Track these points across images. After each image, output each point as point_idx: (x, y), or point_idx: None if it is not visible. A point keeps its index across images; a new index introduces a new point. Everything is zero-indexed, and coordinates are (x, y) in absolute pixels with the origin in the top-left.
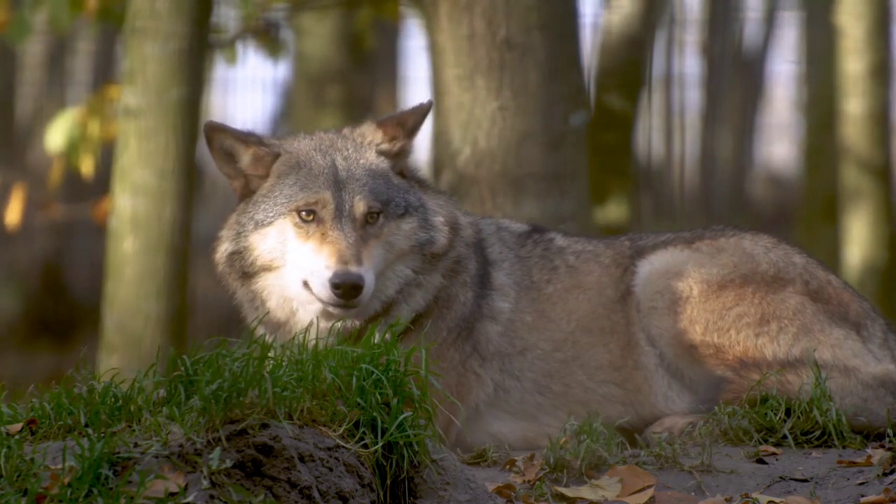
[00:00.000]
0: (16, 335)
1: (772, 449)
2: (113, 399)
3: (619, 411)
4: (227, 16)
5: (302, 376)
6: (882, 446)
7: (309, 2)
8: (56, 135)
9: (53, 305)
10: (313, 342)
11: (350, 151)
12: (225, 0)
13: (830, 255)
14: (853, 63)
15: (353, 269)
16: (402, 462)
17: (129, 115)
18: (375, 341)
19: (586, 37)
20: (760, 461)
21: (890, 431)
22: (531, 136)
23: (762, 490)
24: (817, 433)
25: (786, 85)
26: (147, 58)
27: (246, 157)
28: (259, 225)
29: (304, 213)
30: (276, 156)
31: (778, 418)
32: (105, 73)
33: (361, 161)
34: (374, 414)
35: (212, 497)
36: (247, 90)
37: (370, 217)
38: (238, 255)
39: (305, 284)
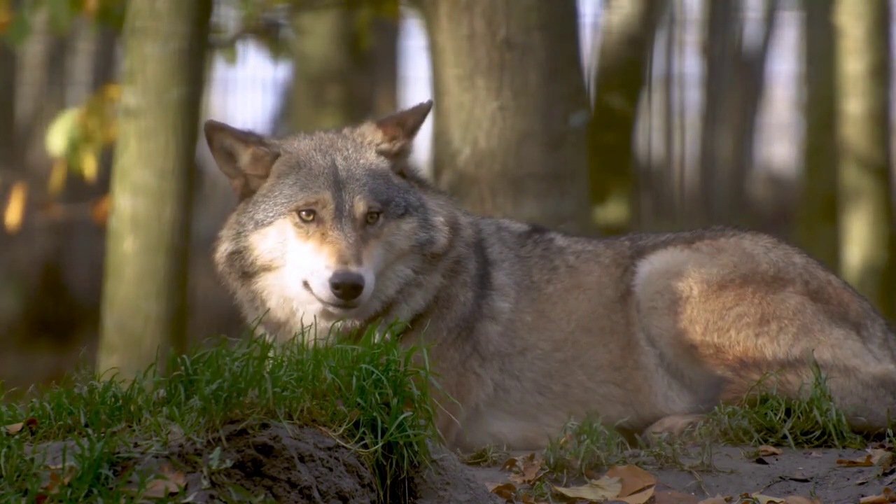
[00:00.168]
0: (16, 335)
1: (772, 449)
2: (113, 399)
3: (619, 411)
4: (227, 16)
5: (302, 376)
6: (882, 446)
7: (309, 2)
8: (57, 137)
9: (53, 305)
10: (313, 342)
11: (350, 151)
12: (225, 0)
13: (830, 255)
14: (853, 63)
15: (353, 269)
16: (402, 462)
17: (129, 115)
18: (375, 341)
19: (586, 37)
20: (760, 461)
21: (890, 431)
22: (531, 136)
23: (762, 490)
24: (817, 433)
25: (786, 85)
26: (147, 58)
27: (245, 156)
28: (259, 225)
29: (304, 213)
30: (276, 156)
31: (778, 418)
32: (105, 73)
33: (361, 161)
34: (374, 414)
35: (212, 497)
36: (247, 90)
37: (370, 217)
38: (238, 255)
39: (305, 284)
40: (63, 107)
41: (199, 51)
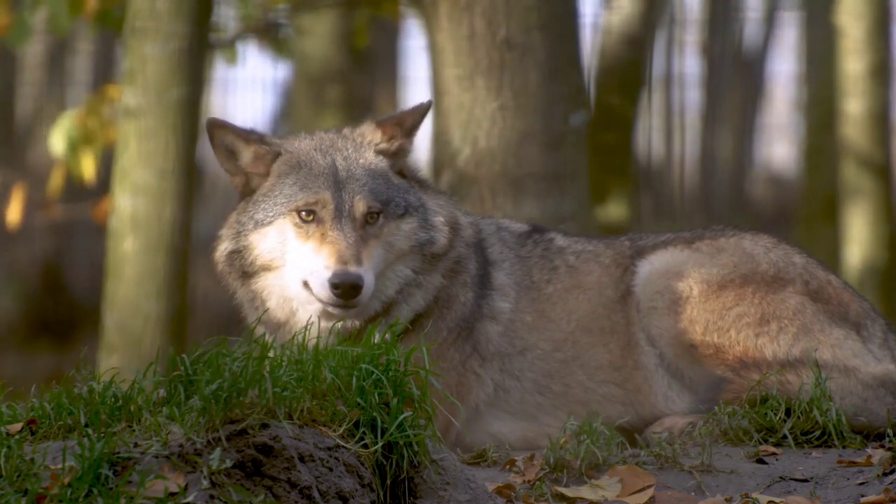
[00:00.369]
0: (16, 335)
1: (772, 449)
2: (113, 399)
3: (619, 411)
4: (227, 16)
5: (302, 376)
6: (882, 446)
7: (309, 2)
8: (58, 138)
9: (53, 305)
10: (313, 342)
11: (350, 151)
12: (225, 0)
13: (830, 255)
14: (853, 63)
15: (353, 269)
16: (402, 462)
17: (129, 116)
18: (375, 341)
19: (586, 37)
20: (760, 461)
21: (890, 431)
22: (531, 135)
23: (762, 490)
24: (817, 433)
25: (786, 85)
26: (147, 58)
27: (247, 154)
28: (259, 224)
29: (303, 213)
30: (277, 155)
31: (778, 418)
32: (105, 73)
33: (361, 161)
34: (374, 414)
35: (212, 497)
36: (247, 90)
37: (370, 217)
38: (238, 255)
39: (305, 284)
40: (63, 107)
41: (199, 51)
